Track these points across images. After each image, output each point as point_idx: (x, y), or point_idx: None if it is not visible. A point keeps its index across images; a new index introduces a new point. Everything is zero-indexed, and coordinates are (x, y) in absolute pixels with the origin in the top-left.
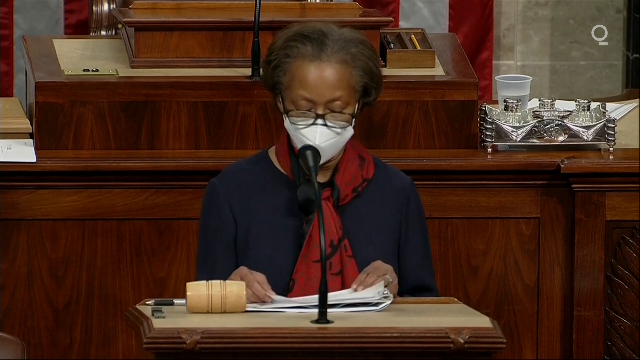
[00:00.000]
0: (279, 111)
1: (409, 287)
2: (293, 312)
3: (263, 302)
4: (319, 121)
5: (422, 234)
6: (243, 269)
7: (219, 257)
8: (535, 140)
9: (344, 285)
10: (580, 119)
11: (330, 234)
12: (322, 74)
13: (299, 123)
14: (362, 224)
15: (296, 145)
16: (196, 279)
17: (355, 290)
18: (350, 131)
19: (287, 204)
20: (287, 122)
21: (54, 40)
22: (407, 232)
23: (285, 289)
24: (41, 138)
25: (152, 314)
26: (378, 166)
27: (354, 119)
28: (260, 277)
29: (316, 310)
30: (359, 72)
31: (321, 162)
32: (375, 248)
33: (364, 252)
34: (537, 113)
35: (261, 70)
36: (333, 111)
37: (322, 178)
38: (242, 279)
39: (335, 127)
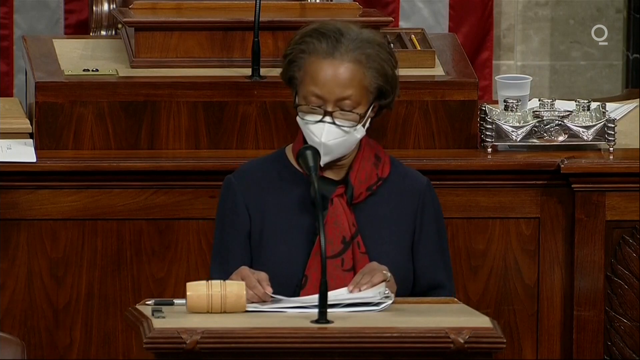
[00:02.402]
0: (295, 107)
1: (423, 288)
2: (293, 312)
3: (264, 301)
4: (327, 119)
5: (438, 235)
6: (244, 269)
7: (234, 253)
8: (535, 140)
9: None
10: (580, 119)
11: (342, 230)
12: (334, 72)
13: (308, 118)
14: (377, 223)
15: (307, 141)
16: (210, 275)
17: (351, 292)
18: (360, 131)
19: (302, 201)
20: (298, 118)
21: (54, 40)
22: (421, 233)
23: (298, 286)
24: (41, 138)
25: (152, 314)
26: (394, 166)
27: (365, 120)
28: (262, 275)
29: (316, 310)
30: (373, 74)
31: (329, 160)
32: (390, 246)
33: (378, 250)
34: (537, 113)
35: (281, 70)
36: (343, 109)
37: (336, 175)
38: (243, 280)
39: (343, 126)
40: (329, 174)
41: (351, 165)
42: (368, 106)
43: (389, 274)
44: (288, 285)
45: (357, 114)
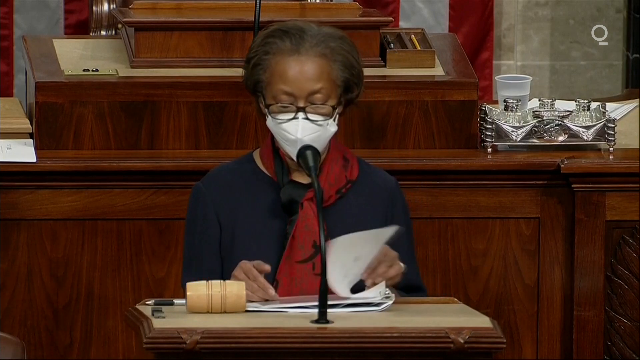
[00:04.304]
0: (261, 113)
1: (398, 288)
2: (293, 312)
3: (266, 300)
4: (300, 114)
5: (407, 235)
6: (245, 263)
7: (205, 260)
8: (535, 140)
9: None
10: (580, 119)
11: (312, 234)
12: (301, 68)
13: (280, 117)
14: (346, 225)
15: (280, 144)
16: (182, 283)
17: (366, 279)
18: (333, 127)
19: (271, 205)
20: (269, 120)
21: (54, 40)
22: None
23: None
24: (41, 138)
25: (152, 314)
26: (362, 167)
27: (336, 113)
28: (259, 263)
29: (316, 310)
30: (339, 67)
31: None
32: None
33: None
34: (537, 113)
35: (242, 71)
36: (314, 104)
37: (306, 179)
38: (245, 274)
39: (317, 121)
40: (298, 178)
41: (320, 168)
42: (337, 99)
43: (403, 266)
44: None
45: (329, 106)
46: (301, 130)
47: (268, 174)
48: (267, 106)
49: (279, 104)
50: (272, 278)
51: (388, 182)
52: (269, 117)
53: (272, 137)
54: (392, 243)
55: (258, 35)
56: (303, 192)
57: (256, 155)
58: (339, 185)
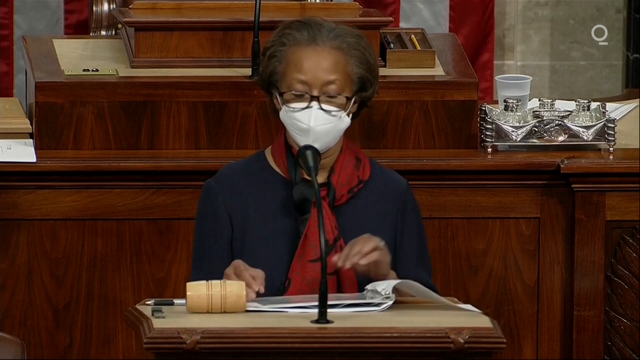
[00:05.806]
0: (272, 111)
1: None
2: (293, 312)
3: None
4: (314, 104)
5: (419, 235)
6: (239, 264)
7: (215, 260)
8: (535, 140)
9: (339, 285)
10: (580, 119)
11: (325, 233)
12: (317, 58)
13: (293, 105)
14: (358, 225)
15: (291, 135)
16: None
17: (340, 266)
18: (346, 121)
19: (283, 203)
20: (282, 111)
21: (54, 40)
22: (402, 235)
23: (281, 289)
24: (41, 138)
25: (152, 314)
26: (374, 168)
27: (350, 107)
28: (258, 272)
29: (316, 310)
30: (355, 62)
31: (318, 148)
32: None
33: None
34: (537, 113)
35: (260, 68)
36: (328, 95)
37: (318, 178)
38: (233, 270)
39: (330, 111)
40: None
41: (333, 168)
42: (352, 94)
43: (382, 242)
44: (271, 288)
45: (344, 96)
46: (314, 119)
47: (280, 172)
48: (281, 94)
49: (293, 92)
50: (284, 277)
51: (399, 184)
52: (283, 107)
53: (285, 136)
54: (402, 245)
55: (276, 29)
56: (319, 191)
57: (268, 154)
58: (351, 184)
